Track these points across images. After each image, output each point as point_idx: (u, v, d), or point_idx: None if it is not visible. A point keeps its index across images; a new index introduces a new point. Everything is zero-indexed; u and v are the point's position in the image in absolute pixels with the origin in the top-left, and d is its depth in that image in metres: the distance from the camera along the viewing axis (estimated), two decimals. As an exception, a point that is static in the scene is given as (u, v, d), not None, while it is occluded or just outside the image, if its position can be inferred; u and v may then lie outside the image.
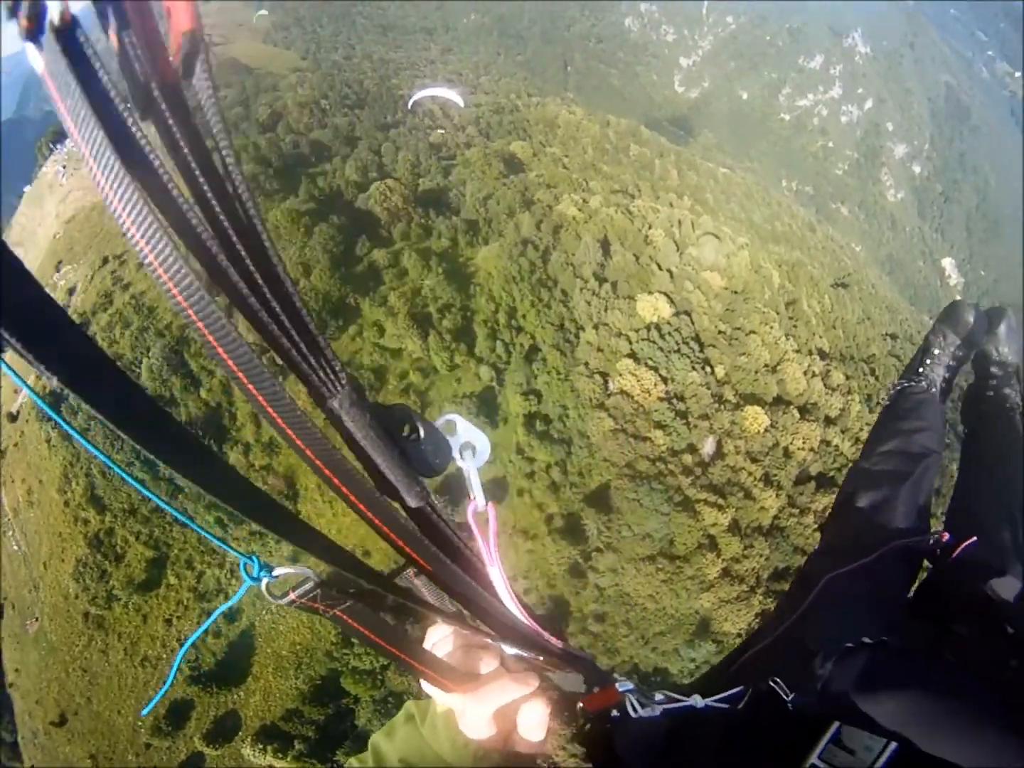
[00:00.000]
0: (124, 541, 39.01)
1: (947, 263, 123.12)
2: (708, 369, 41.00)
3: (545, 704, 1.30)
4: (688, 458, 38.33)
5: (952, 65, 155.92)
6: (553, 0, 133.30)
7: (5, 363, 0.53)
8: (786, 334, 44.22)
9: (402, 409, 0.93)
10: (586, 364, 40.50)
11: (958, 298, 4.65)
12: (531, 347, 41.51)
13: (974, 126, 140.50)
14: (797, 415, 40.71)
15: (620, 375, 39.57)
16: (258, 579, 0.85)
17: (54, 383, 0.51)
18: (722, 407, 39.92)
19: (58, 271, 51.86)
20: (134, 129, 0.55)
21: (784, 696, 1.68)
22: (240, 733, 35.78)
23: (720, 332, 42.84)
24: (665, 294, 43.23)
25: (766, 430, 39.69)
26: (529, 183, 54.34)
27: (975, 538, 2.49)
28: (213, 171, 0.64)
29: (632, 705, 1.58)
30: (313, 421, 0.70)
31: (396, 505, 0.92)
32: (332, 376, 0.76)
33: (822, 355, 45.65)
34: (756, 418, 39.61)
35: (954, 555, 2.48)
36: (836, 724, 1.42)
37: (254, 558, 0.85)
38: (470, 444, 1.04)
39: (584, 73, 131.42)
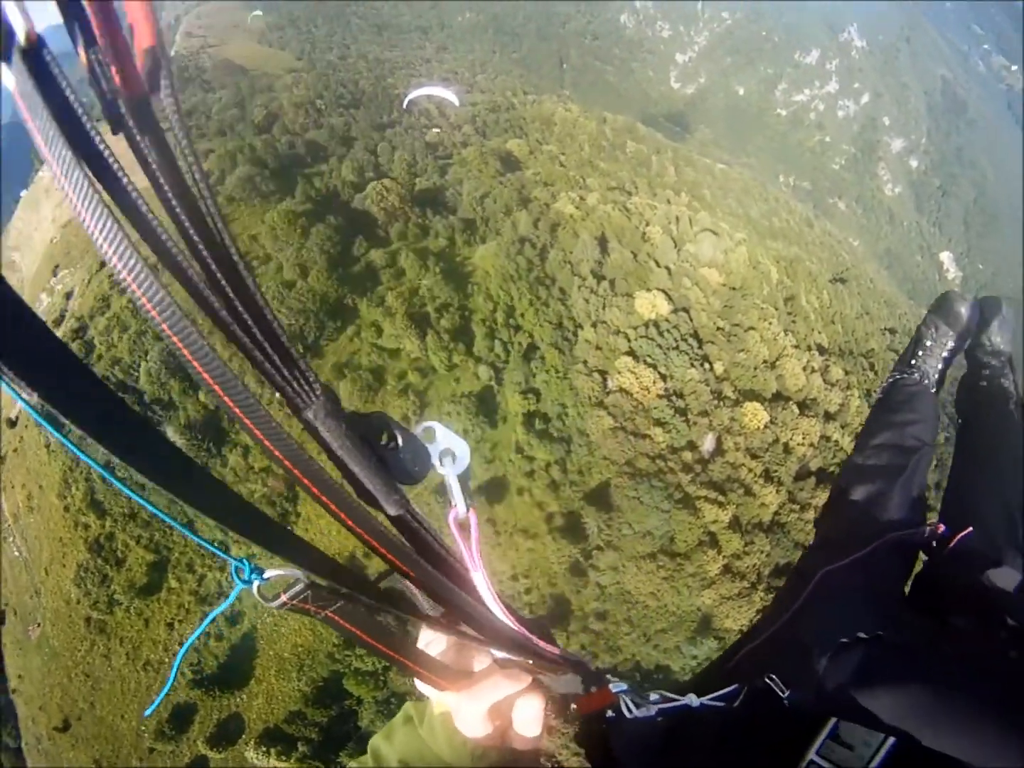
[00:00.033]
0: (125, 545, 38.95)
1: (945, 257, 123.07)
2: (707, 366, 41.01)
3: (539, 699, 1.30)
4: (688, 455, 38.35)
5: (948, 59, 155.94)
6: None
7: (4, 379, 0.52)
8: (785, 330, 44.25)
9: (379, 417, 0.92)
10: (585, 362, 40.50)
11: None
12: (529, 346, 41.49)
13: (971, 120, 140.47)
14: (796, 411, 40.75)
15: (619, 373, 39.57)
16: (249, 582, 0.86)
17: (35, 399, 0.50)
18: (721, 403, 39.93)
19: (55, 275, 51.77)
20: (102, 147, 0.56)
21: (780, 693, 1.67)
22: (243, 736, 35.75)
23: (719, 328, 42.85)
24: (663, 291, 43.25)
25: (766, 426, 39.72)
26: (526, 181, 54.33)
27: (970, 529, 2.47)
28: (183, 185, 0.65)
29: (627, 706, 1.57)
30: (288, 432, 0.70)
31: (377, 512, 0.92)
32: (306, 387, 0.76)
33: (821, 350, 45.69)
34: (755, 414, 39.63)
35: (950, 547, 2.47)
36: (833, 720, 1.41)
37: (244, 561, 0.86)
38: (450, 451, 1.04)
39: (580, 70, 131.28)
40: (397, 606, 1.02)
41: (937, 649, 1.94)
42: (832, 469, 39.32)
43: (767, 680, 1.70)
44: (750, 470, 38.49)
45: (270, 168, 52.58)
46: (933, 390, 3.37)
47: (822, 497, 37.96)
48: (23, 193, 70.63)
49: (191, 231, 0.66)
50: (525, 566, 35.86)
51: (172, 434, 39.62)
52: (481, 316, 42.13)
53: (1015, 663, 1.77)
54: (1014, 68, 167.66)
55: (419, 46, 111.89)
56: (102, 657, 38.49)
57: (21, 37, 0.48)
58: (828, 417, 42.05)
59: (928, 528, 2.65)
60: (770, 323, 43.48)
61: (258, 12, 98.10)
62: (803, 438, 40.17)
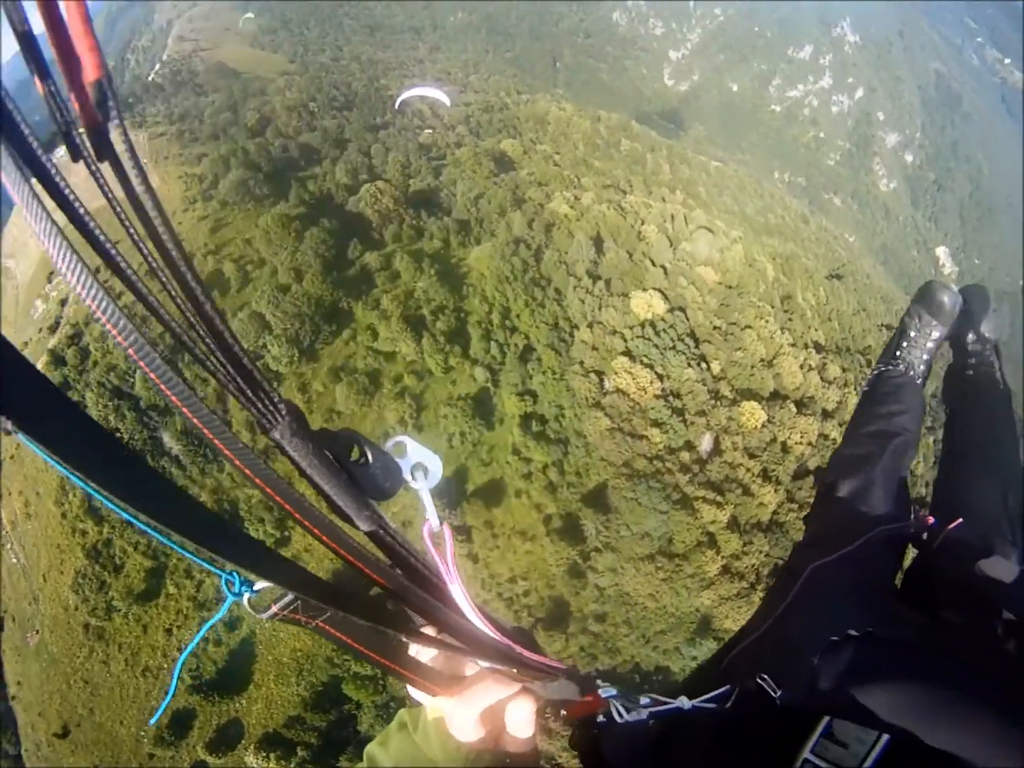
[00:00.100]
0: (122, 552, 38.95)
1: (941, 252, 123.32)
2: (704, 365, 41.02)
3: (531, 703, 1.31)
4: (685, 455, 38.37)
5: (942, 53, 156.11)
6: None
7: None
8: (781, 328, 44.27)
9: (349, 434, 0.92)
10: (581, 363, 40.50)
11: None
12: (526, 347, 41.50)
13: (965, 113, 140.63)
14: (794, 409, 40.78)
15: (616, 373, 39.56)
16: (239, 595, 0.88)
17: (8, 426, 0.49)
18: (719, 403, 39.96)
19: (50, 282, 51.66)
20: (57, 177, 0.57)
21: (772, 693, 1.66)
22: (243, 741, 35.74)
23: (715, 328, 42.86)
24: (659, 290, 43.27)
25: (763, 425, 39.74)
26: (520, 181, 54.34)
27: (960, 520, 2.45)
28: (141, 209, 0.67)
29: (617, 710, 1.56)
30: (254, 452, 0.71)
31: (349, 527, 0.92)
32: (271, 408, 0.78)
33: (818, 348, 45.73)
34: (753, 413, 39.66)
35: (940, 538, 2.44)
36: (827, 718, 1.39)
37: (234, 574, 0.87)
38: (421, 465, 1.05)
39: (573, 69, 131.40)
40: (382, 620, 1.02)
41: (931, 643, 1.92)
42: (831, 468, 39.35)
43: (759, 680, 1.68)
44: (748, 470, 38.53)
45: (263, 172, 52.54)
46: (919, 381, 3.36)
47: (820, 496, 38.29)
48: (17, 199, 70.50)
49: (150, 257, 0.69)
50: (523, 568, 35.87)
51: (168, 440, 39.60)
52: (477, 318, 42.13)
53: (1012, 656, 1.76)
54: (1007, 61, 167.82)
55: (412, 47, 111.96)
56: (101, 663, 38.47)
57: None
58: (826, 415, 42.11)
59: (918, 520, 2.64)
60: (767, 321, 43.51)
61: (250, 15, 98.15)
62: (801, 436, 40.21)
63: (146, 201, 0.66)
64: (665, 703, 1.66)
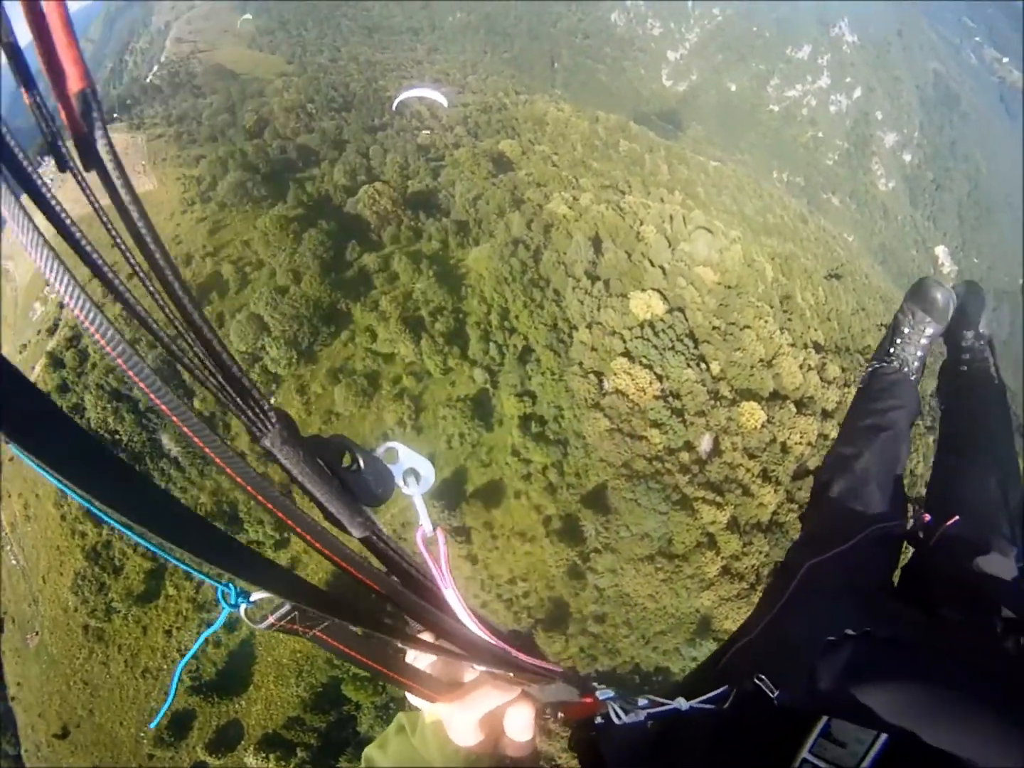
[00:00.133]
0: (122, 553, 38.94)
1: (940, 251, 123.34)
2: (703, 366, 40.99)
3: (530, 707, 1.31)
4: (685, 456, 38.34)
5: (940, 52, 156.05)
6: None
7: None
8: (781, 328, 44.24)
9: (340, 440, 0.92)
10: (580, 364, 40.48)
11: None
12: (524, 348, 41.48)
13: (964, 113, 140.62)
14: (794, 409, 40.76)
15: (615, 374, 39.54)
16: (236, 606, 0.88)
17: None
18: (718, 403, 39.93)
19: (49, 284, 51.58)
20: (43, 188, 0.58)
21: (770, 694, 1.65)
22: (242, 742, 35.73)
23: (714, 328, 42.83)
24: (658, 291, 43.25)
25: (763, 425, 39.72)
26: (519, 182, 54.32)
27: (957, 517, 2.45)
28: (128, 219, 0.67)
29: (615, 712, 1.56)
30: (247, 463, 0.72)
31: (343, 534, 0.92)
32: (261, 415, 0.78)
33: (817, 348, 45.70)
34: (752, 414, 39.63)
35: (937, 536, 2.44)
36: (825, 718, 1.40)
37: (230, 585, 0.87)
38: (413, 470, 1.04)
39: (571, 69, 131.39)
40: (379, 628, 1.02)
41: (930, 643, 1.91)
42: (830, 468, 39.34)
43: (756, 681, 1.67)
44: (748, 470, 38.50)
45: (262, 173, 52.51)
46: (913, 377, 3.35)
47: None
48: (16, 201, 70.45)
49: (138, 267, 0.69)
50: (523, 569, 35.84)
51: (167, 442, 39.60)
52: (475, 319, 42.11)
53: (1012, 655, 1.76)
54: (1006, 60, 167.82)
55: (410, 47, 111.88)
56: (100, 664, 38.46)
57: None
58: (825, 415, 42.07)
59: (914, 518, 2.63)
60: (766, 321, 43.48)
61: (248, 16, 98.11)
62: (801, 437, 40.18)
63: (133, 212, 0.66)
64: (663, 704, 1.65)
